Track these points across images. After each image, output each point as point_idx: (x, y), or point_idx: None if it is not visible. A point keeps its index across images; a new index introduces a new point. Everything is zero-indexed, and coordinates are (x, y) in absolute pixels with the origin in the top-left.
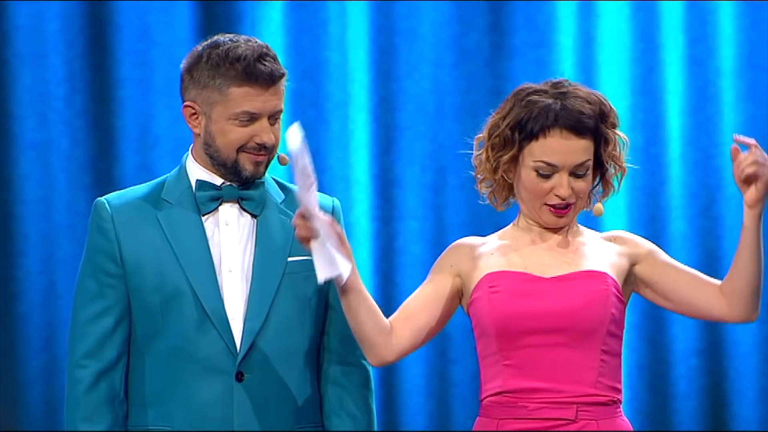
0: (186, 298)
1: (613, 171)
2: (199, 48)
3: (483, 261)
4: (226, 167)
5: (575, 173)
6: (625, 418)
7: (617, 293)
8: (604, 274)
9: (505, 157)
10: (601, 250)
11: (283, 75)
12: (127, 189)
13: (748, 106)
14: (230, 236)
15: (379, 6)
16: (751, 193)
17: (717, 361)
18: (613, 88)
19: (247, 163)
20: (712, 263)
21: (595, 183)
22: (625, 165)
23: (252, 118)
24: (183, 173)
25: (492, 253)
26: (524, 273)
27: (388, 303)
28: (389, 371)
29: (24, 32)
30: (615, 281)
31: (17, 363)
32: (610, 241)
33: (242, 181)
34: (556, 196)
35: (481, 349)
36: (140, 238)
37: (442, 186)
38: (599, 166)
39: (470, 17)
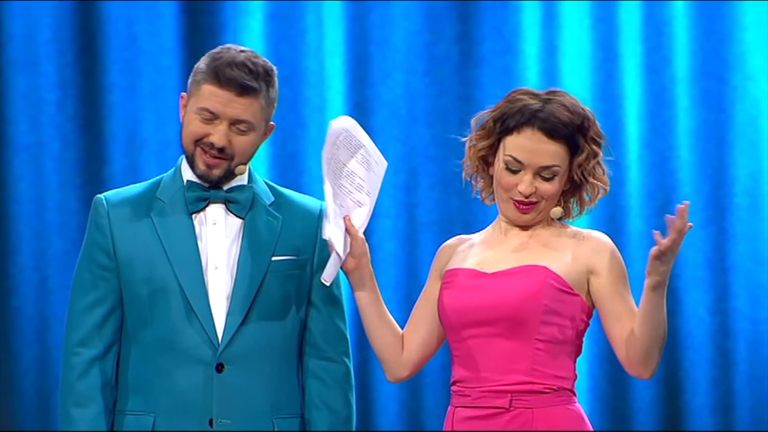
0: (173, 291)
1: (588, 188)
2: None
3: (455, 258)
4: (188, 160)
5: (541, 175)
6: (572, 406)
7: (558, 285)
8: (542, 267)
9: (484, 145)
10: (562, 248)
11: (252, 89)
12: (125, 187)
13: (701, 111)
14: (217, 235)
15: (354, 16)
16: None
17: (672, 351)
18: (575, 94)
19: (200, 162)
20: None
21: (572, 195)
22: (605, 184)
23: (212, 116)
24: (177, 173)
25: (464, 251)
26: (472, 269)
27: None
28: (363, 361)
29: (17, 41)
30: (555, 274)
31: (11, 354)
32: (579, 240)
33: (201, 180)
34: (519, 192)
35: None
36: (133, 233)
37: (414, 186)
38: (575, 180)
39: (440, 27)
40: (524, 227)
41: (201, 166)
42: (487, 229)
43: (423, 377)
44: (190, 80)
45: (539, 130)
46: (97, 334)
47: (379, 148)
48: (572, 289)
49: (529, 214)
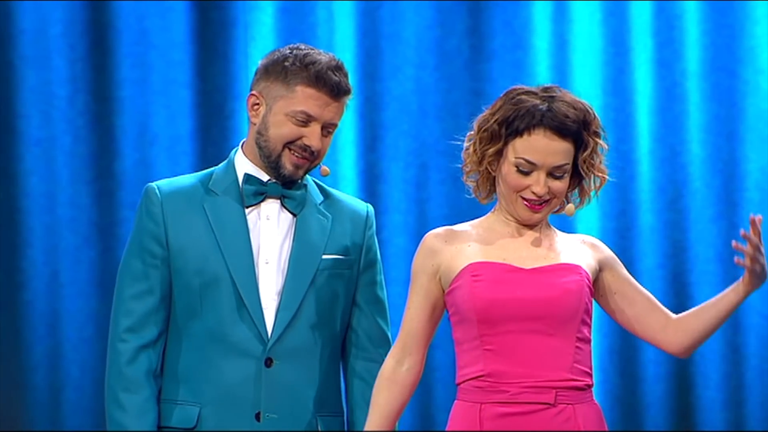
0: (224, 283)
1: (591, 181)
2: (281, 48)
3: (462, 251)
4: (270, 160)
5: (553, 174)
6: (595, 401)
7: (589, 285)
8: (579, 266)
9: (491, 150)
10: (574, 248)
11: (348, 91)
12: (176, 177)
13: (712, 105)
14: (270, 230)
15: (365, 11)
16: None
17: None
18: (586, 89)
19: (288, 163)
20: (678, 254)
21: (573, 187)
22: (605, 173)
23: (308, 119)
24: (231, 167)
25: (469, 244)
26: (505, 264)
27: None
28: None
29: (29, 35)
30: (588, 274)
31: (23, 348)
32: (582, 243)
33: (281, 178)
34: (533, 192)
35: (459, 336)
36: (186, 223)
37: (424, 181)
38: (577, 173)
39: (451, 22)
40: (528, 227)
41: (289, 167)
42: (479, 222)
43: (434, 372)
44: (263, 80)
45: (550, 129)
46: (147, 322)
47: (390, 143)
48: (593, 290)
49: (541, 212)
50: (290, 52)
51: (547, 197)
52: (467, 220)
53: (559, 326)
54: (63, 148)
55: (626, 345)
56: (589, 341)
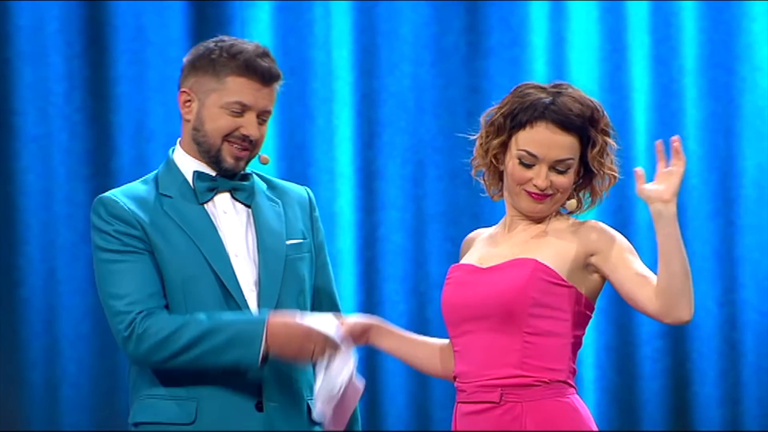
0: (207, 279)
1: (602, 180)
2: (204, 43)
3: (467, 253)
4: (210, 155)
5: (556, 168)
6: (566, 399)
7: (546, 277)
8: (531, 260)
9: (495, 142)
10: (558, 239)
11: (278, 76)
12: (123, 187)
13: (709, 102)
14: (230, 223)
15: (362, 8)
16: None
17: (680, 342)
18: (583, 86)
19: (228, 156)
20: None
21: (585, 186)
22: (615, 173)
23: (243, 109)
24: (173, 167)
25: (475, 246)
26: (470, 264)
27: (371, 288)
28: (372, 352)
29: (25, 32)
30: (544, 266)
31: (19, 345)
32: (577, 227)
33: (224, 172)
34: (534, 185)
35: None
36: (157, 227)
37: (421, 178)
38: (588, 171)
39: (448, 18)
40: (529, 222)
41: (229, 160)
42: (498, 223)
43: None
44: (192, 76)
45: (552, 122)
46: (154, 287)
47: (387, 139)
48: (565, 281)
49: (544, 204)
50: (215, 45)
51: (550, 192)
52: (465, 217)
53: (503, 323)
54: (60, 145)
55: (623, 342)
56: (551, 334)
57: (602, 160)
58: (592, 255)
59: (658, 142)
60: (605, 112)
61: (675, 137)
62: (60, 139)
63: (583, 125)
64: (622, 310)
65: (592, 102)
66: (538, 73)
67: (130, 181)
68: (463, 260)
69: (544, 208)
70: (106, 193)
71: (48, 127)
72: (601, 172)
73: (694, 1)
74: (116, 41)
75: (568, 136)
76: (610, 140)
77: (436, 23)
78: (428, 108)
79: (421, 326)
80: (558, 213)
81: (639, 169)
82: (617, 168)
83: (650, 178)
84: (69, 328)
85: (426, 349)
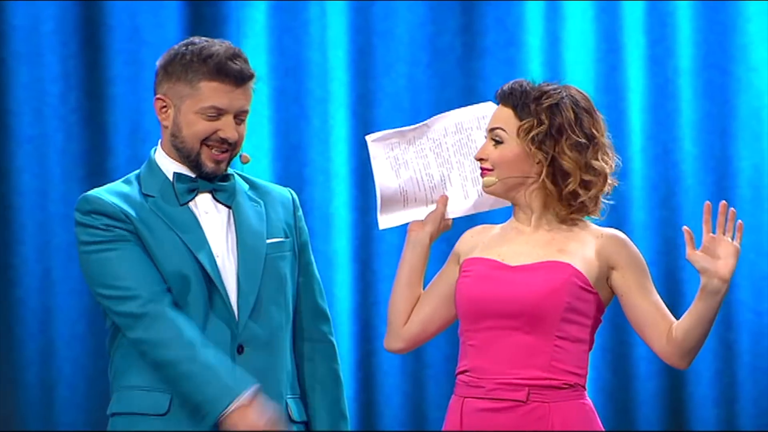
0: (194, 277)
1: (564, 162)
2: (175, 47)
3: (476, 246)
4: (190, 159)
5: (494, 139)
6: (585, 401)
7: (580, 284)
8: (566, 264)
9: None
10: (582, 245)
11: (252, 76)
12: (105, 186)
13: (704, 103)
14: (211, 224)
15: (357, 8)
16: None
17: None
18: (578, 86)
19: (207, 160)
20: (670, 251)
21: (550, 173)
22: (580, 169)
23: (219, 113)
24: (155, 167)
25: (486, 241)
26: (493, 260)
27: (366, 288)
28: (367, 353)
29: (21, 32)
30: (579, 272)
31: (14, 345)
32: (599, 238)
33: (205, 176)
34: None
35: (459, 329)
36: (145, 225)
37: None
38: (554, 160)
39: (443, 19)
40: (554, 223)
41: (209, 164)
42: (509, 220)
43: (426, 368)
44: (165, 82)
45: (497, 96)
46: (153, 277)
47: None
48: (592, 288)
49: (488, 175)
50: (186, 49)
51: (489, 166)
52: (459, 218)
53: (536, 324)
54: (55, 146)
55: (618, 342)
56: (579, 341)
57: (529, 137)
58: (613, 268)
59: (707, 204)
60: (578, 108)
61: (728, 207)
62: (55, 140)
63: (524, 102)
64: (617, 311)
65: (549, 86)
66: (534, 74)
67: None
68: (479, 254)
69: (489, 180)
70: (90, 192)
71: (43, 127)
72: (538, 154)
73: (689, 2)
74: (112, 41)
75: (504, 108)
76: (571, 133)
77: (432, 24)
78: (424, 108)
79: None
80: (572, 217)
81: (687, 230)
82: (604, 167)
83: (639, 176)
84: (64, 329)
85: (408, 299)
